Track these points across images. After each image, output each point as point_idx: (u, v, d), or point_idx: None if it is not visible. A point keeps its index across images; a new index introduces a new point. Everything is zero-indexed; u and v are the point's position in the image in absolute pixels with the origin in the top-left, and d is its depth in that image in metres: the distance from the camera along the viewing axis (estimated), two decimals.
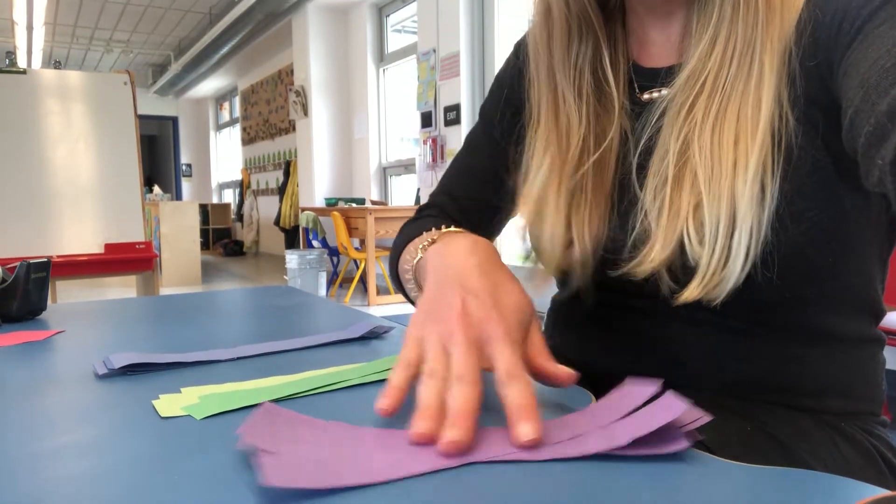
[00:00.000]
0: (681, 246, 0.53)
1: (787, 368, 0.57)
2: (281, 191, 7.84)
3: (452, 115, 4.88)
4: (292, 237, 7.58)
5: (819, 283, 0.55)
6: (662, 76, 0.62)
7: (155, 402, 0.45)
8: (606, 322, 0.64)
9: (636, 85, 0.64)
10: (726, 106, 0.54)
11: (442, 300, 0.46)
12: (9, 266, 0.77)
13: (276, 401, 0.45)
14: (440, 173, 5.06)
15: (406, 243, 0.68)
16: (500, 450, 0.36)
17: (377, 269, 5.52)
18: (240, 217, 10.20)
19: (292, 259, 4.95)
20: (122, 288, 5.68)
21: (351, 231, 5.18)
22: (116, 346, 0.65)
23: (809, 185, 0.53)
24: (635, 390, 0.40)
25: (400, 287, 0.72)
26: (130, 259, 2.56)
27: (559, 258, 0.63)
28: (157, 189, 7.98)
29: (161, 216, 6.35)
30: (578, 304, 0.65)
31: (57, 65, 9.76)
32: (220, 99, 11.48)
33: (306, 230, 5.62)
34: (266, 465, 0.32)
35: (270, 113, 8.80)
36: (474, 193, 0.75)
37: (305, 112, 6.64)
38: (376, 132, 6.29)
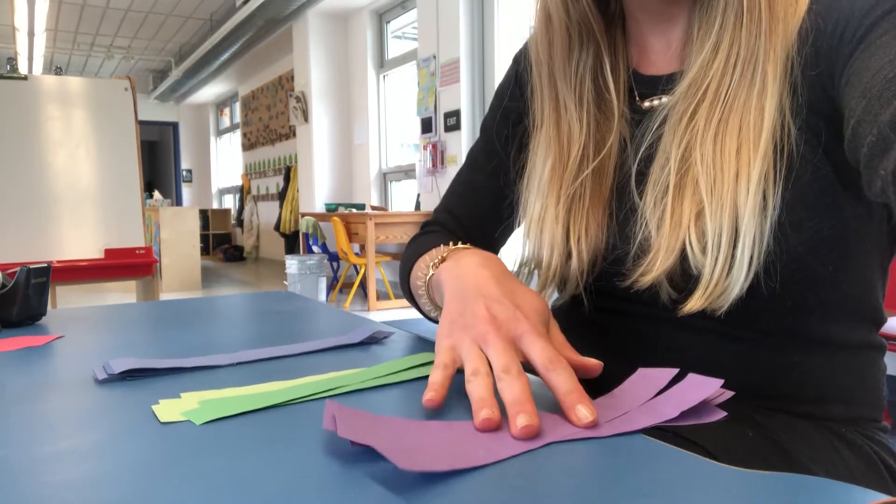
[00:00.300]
0: (682, 255, 0.53)
1: (788, 375, 0.57)
2: (281, 196, 7.85)
3: (452, 120, 4.89)
4: (292, 242, 7.58)
5: (820, 291, 0.55)
6: (663, 84, 0.62)
7: (154, 408, 0.45)
8: (605, 328, 0.64)
9: (636, 93, 0.64)
10: (728, 115, 0.54)
11: (466, 308, 0.48)
12: (9, 271, 0.77)
13: (276, 406, 0.45)
14: (440, 179, 5.08)
15: (415, 258, 0.69)
16: (568, 430, 0.39)
17: (377, 274, 5.52)
18: (240, 222, 10.21)
19: (292, 264, 4.95)
20: (121, 293, 5.67)
21: (351, 236, 5.18)
22: (116, 351, 0.64)
23: (811, 194, 0.53)
24: (654, 374, 0.45)
25: (413, 301, 0.73)
26: (130, 264, 2.56)
27: (558, 266, 0.63)
28: (157, 194, 7.99)
29: (161, 221, 6.35)
30: (577, 310, 0.65)
31: (58, 71, 9.80)
32: (221, 105, 11.50)
33: (306, 235, 5.63)
34: (392, 452, 0.33)
35: (271, 119, 8.82)
36: (476, 211, 0.76)
37: (306, 118, 6.66)
38: (376, 138, 6.30)
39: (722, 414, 0.41)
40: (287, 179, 7.78)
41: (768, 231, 0.51)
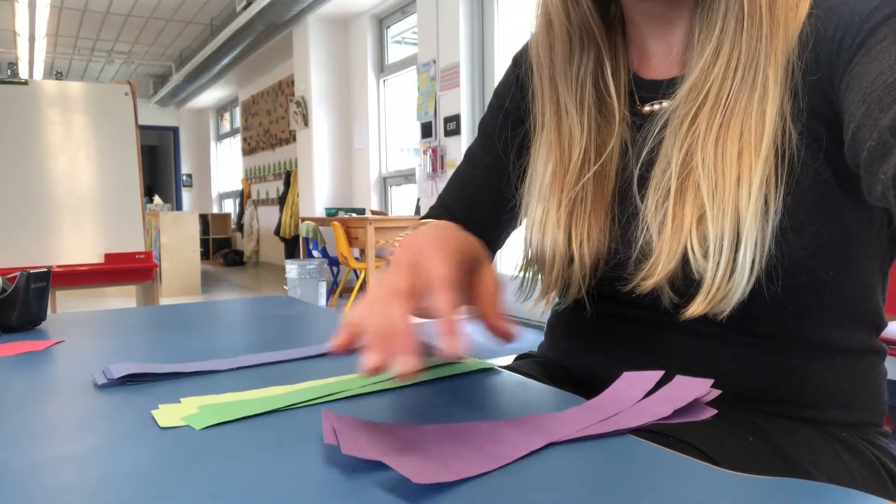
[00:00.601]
0: (684, 259, 0.53)
1: (789, 380, 0.57)
2: (281, 201, 7.85)
3: (452, 125, 4.89)
4: (292, 247, 7.58)
5: (821, 295, 0.55)
6: (664, 88, 0.62)
7: (154, 413, 0.45)
8: (606, 332, 0.64)
9: (637, 97, 0.64)
10: (729, 119, 0.53)
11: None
12: (9, 276, 0.77)
13: (276, 411, 0.45)
14: (440, 183, 5.08)
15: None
16: (567, 430, 0.39)
17: (377, 278, 5.50)
18: (240, 227, 10.21)
19: (292, 269, 4.95)
20: (121, 298, 5.67)
21: (351, 241, 5.18)
22: (116, 356, 0.64)
23: (812, 199, 0.53)
24: (641, 377, 0.46)
25: None
26: (130, 269, 2.56)
27: (560, 270, 0.62)
28: (157, 199, 7.99)
29: (161, 226, 6.35)
30: (578, 314, 0.65)
31: (58, 76, 9.81)
32: (221, 109, 11.52)
33: (306, 240, 5.62)
34: (403, 467, 0.33)
35: (271, 123, 8.83)
36: (473, 207, 0.75)
37: (306, 122, 6.66)
38: (376, 142, 6.31)
39: (712, 411, 0.42)
40: (287, 184, 7.78)
41: (770, 235, 0.51)
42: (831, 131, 0.52)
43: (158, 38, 8.55)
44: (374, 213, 5.73)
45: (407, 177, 5.97)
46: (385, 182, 6.33)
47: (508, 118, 0.73)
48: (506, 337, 0.47)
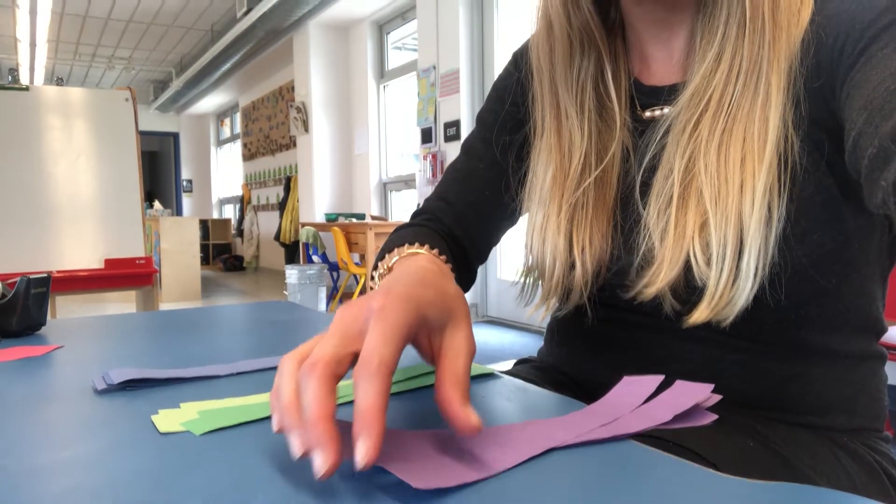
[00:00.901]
0: (686, 266, 0.53)
1: (790, 385, 0.57)
2: (281, 206, 7.85)
3: (452, 131, 4.90)
4: (292, 252, 7.58)
5: (822, 303, 0.55)
6: (665, 94, 0.61)
7: (154, 418, 0.45)
8: (607, 338, 0.64)
9: (637, 102, 0.64)
10: (732, 125, 0.53)
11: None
12: (9, 281, 0.77)
13: None
14: None
15: (384, 252, 0.63)
16: (568, 436, 0.39)
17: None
18: (240, 232, 10.21)
19: (292, 274, 4.94)
20: (121, 303, 5.66)
21: (351, 246, 5.18)
22: (116, 361, 0.64)
23: (814, 206, 0.53)
24: (642, 381, 0.45)
25: None
26: (130, 274, 2.56)
27: (561, 277, 0.62)
28: (157, 204, 7.99)
29: (161, 231, 6.35)
30: (579, 320, 0.65)
31: (59, 81, 9.82)
32: (221, 115, 11.54)
33: (306, 245, 5.62)
34: (404, 472, 0.33)
35: (271, 129, 8.84)
36: (472, 199, 0.72)
37: (306, 128, 6.67)
38: (377, 148, 6.32)
39: (713, 417, 0.42)
40: (287, 189, 7.79)
41: (773, 243, 0.51)
42: (832, 139, 0.52)
43: (159, 44, 8.57)
44: (374, 218, 5.73)
45: (407, 182, 5.98)
46: (385, 187, 6.34)
47: (509, 120, 0.73)
48: (465, 431, 0.35)
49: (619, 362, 0.63)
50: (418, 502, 0.32)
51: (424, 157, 5.18)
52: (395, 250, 0.59)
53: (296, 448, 0.32)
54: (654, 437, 0.42)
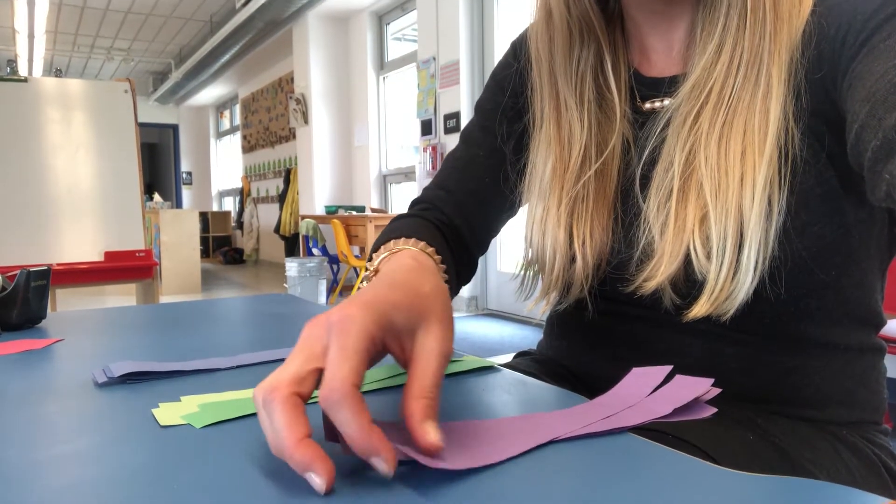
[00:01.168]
0: (686, 260, 0.53)
1: (789, 379, 0.57)
2: (281, 199, 7.85)
3: (452, 122, 4.89)
4: (292, 245, 7.58)
5: (822, 296, 0.55)
6: (665, 86, 0.61)
7: (154, 411, 0.45)
8: (607, 331, 0.64)
9: (637, 94, 0.64)
10: (732, 118, 0.53)
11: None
12: (9, 274, 0.77)
13: None
14: None
15: (379, 244, 0.62)
16: (566, 427, 0.39)
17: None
18: (240, 225, 10.20)
19: (292, 267, 4.95)
20: (121, 296, 5.67)
21: (351, 239, 5.18)
22: (116, 354, 0.64)
23: (814, 199, 0.53)
24: (649, 372, 0.46)
25: None
26: (130, 267, 2.56)
27: (561, 270, 0.62)
28: (157, 197, 7.99)
29: (161, 224, 6.35)
30: (578, 313, 0.65)
31: (58, 73, 9.80)
32: (221, 107, 11.51)
33: (306, 238, 5.62)
34: (409, 452, 0.33)
35: (271, 121, 8.82)
36: (472, 188, 0.71)
37: (306, 120, 6.66)
38: (376, 140, 6.31)
39: (713, 410, 0.42)
40: (287, 182, 7.78)
41: (773, 236, 0.51)
42: (833, 131, 0.52)
43: (158, 34, 8.54)
44: (374, 210, 5.73)
45: (407, 174, 5.97)
46: (385, 179, 6.33)
47: (508, 111, 0.72)
48: (427, 451, 0.33)
49: (619, 356, 0.63)
50: (419, 493, 0.32)
51: (424, 149, 5.17)
52: (383, 247, 0.58)
53: (297, 471, 0.32)
54: (653, 431, 0.42)
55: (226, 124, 11.49)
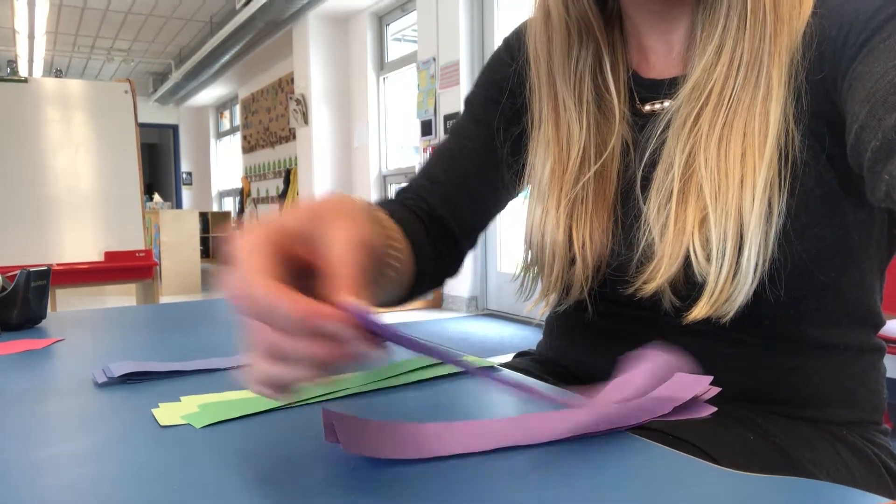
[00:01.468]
0: (686, 262, 0.53)
1: (789, 379, 0.57)
2: (281, 199, 7.85)
3: (452, 123, 4.89)
4: None
5: (822, 297, 0.55)
6: (665, 88, 0.61)
7: (154, 411, 0.45)
8: (605, 330, 0.64)
9: (637, 96, 0.64)
10: (733, 119, 0.53)
11: None
12: (9, 274, 0.77)
13: (277, 409, 0.45)
14: None
15: None
16: (564, 428, 0.39)
17: None
18: (240, 225, 10.19)
19: None
20: (121, 296, 5.67)
21: None
22: (116, 354, 0.64)
23: (814, 201, 0.52)
24: (652, 368, 0.46)
25: None
26: (130, 267, 2.56)
27: (561, 272, 0.62)
28: (157, 197, 8.00)
29: (161, 224, 6.35)
30: (578, 315, 0.65)
31: (58, 73, 9.80)
32: (221, 107, 11.51)
33: None
34: (399, 452, 0.35)
35: (271, 121, 8.82)
36: (460, 179, 0.70)
37: (306, 120, 6.66)
38: (376, 140, 6.30)
39: (712, 409, 0.42)
40: (287, 182, 7.78)
41: (773, 238, 0.51)
42: (833, 132, 0.52)
43: (158, 35, 8.54)
44: None
45: (407, 175, 5.97)
46: (385, 180, 6.33)
47: (505, 112, 0.71)
48: (346, 306, 0.31)
49: (618, 354, 0.63)
50: (419, 494, 0.32)
51: (424, 150, 5.17)
52: None
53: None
54: (652, 430, 0.42)
55: (226, 125, 11.48)
